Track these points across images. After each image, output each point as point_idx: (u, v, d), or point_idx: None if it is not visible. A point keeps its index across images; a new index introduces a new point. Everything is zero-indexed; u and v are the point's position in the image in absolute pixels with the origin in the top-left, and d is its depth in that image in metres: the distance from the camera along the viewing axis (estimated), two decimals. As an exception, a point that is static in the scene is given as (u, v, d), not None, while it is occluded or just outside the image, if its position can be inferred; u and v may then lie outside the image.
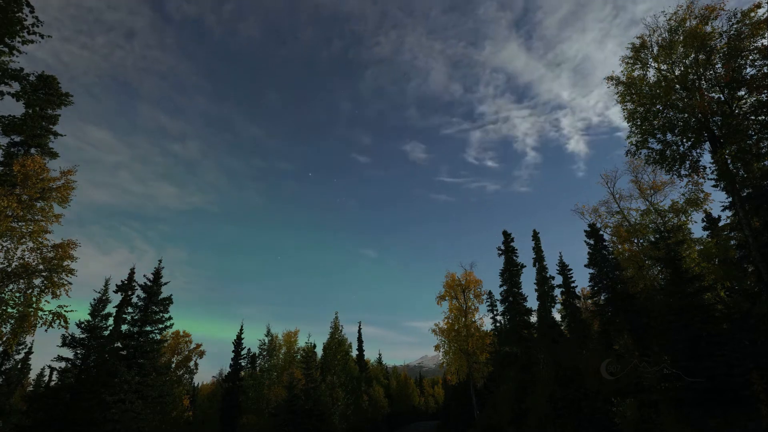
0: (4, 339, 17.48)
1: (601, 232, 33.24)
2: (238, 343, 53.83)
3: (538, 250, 38.50)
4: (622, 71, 25.33)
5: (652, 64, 24.39)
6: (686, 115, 22.58)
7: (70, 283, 19.16)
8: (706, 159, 24.00)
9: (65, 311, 18.72)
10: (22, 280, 17.98)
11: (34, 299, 18.00)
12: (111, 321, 32.38)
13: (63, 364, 29.71)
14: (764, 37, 20.55)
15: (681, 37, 22.68)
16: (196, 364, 52.56)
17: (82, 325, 30.43)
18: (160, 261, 33.73)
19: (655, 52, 24.05)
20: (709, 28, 21.96)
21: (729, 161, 21.69)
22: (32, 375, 54.25)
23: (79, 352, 29.82)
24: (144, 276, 32.79)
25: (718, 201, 35.36)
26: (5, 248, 17.77)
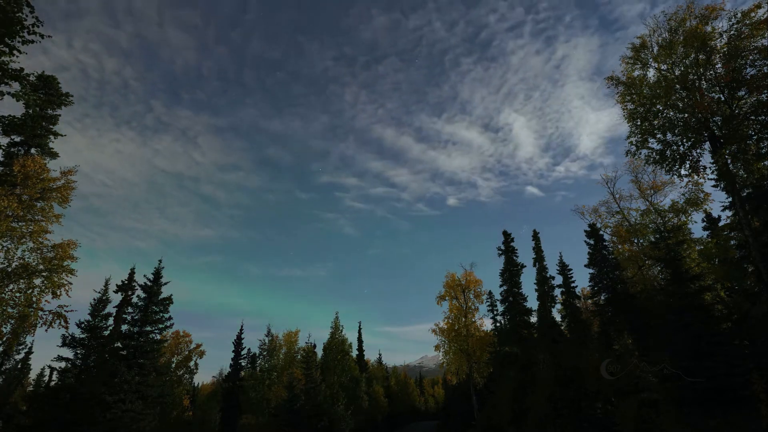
0: (4, 339, 17.49)
1: (601, 232, 33.24)
2: (238, 343, 53.80)
3: (538, 250, 38.43)
4: (622, 71, 25.34)
5: (652, 64, 24.39)
6: (686, 115, 22.58)
7: (70, 283, 19.15)
8: (706, 159, 23.98)
9: (65, 311, 18.73)
10: (22, 280, 17.97)
11: (34, 299, 17.99)
12: (111, 321, 32.35)
13: (63, 364, 29.71)
14: (764, 37, 20.54)
15: (681, 37, 22.67)
16: (196, 364, 52.56)
17: (82, 325, 30.42)
18: (160, 261, 33.73)
19: (655, 52, 24.05)
20: (709, 28, 21.95)
21: (729, 161, 21.67)
22: (32, 375, 54.21)
23: (79, 352, 29.81)
24: (144, 276, 32.78)
25: (718, 201, 35.41)
26: (5, 248, 17.76)
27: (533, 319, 38.48)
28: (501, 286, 41.13)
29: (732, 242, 24.65)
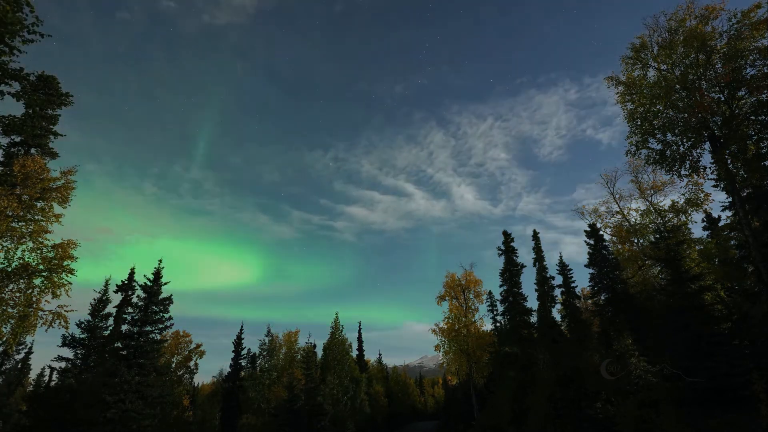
0: (4, 339, 17.46)
1: (601, 232, 33.21)
2: (238, 343, 53.83)
3: (538, 250, 38.41)
4: (622, 71, 25.34)
5: (652, 64, 24.40)
6: (686, 115, 22.57)
7: (70, 283, 19.11)
8: (706, 159, 24.01)
9: (65, 311, 18.71)
10: (22, 280, 17.94)
11: (34, 299, 17.97)
12: (111, 321, 32.37)
13: (63, 364, 29.73)
14: (764, 37, 20.54)
15: (681, 37, 22.68)
16: (196, 364, 52.47)
17: (82, 325, 30.43)
18: (160, 261, 33.60)
19: (655, 52, 24.05)
20: (709, 28, 21.95)
21: (729, 161, 21.67)
22: (32, 375, 54.23)
23: (79, 352, 29.83)
24: (144, 276, 32.72)
25: (718, 201, 35.28)
26: (5, 248, 17.74)
27: (533, 319, 38.46)
28: (501, 286, 41.11)
29: (732, 242, 24.66)
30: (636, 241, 34.90)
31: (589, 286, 32.37)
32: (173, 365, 49.77)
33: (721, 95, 22.08)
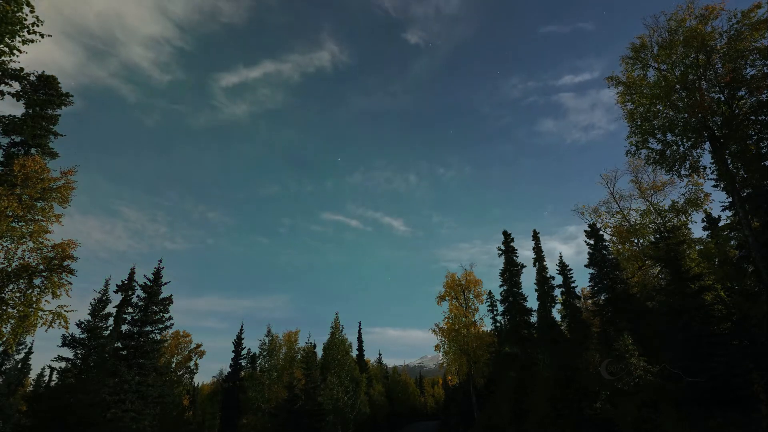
0: (4, 339, 17.45)
1: (601, 232, 33.21)
2: (238, 343, 53.87)
3: (538, 250, 38.42)
4: (622, 71, 25.33)
5: (652, 64, 24.38)
6: (686, 115, 22.56)
7: (70, 283, 19.10)
8: (706, 159, 24.01)
9: (65, 311, 18.70)
10: (22, 280, 17.94)
11: (34, 299, 17.96)
12: (111, 321, 32.39)
13: (63, 364, 29.74)
14: (764, 37, 20.55)
15: (681, 37, 22.66)
16: (196, 364, 52.54)
17: (82, 325, 30.44)
18: (160, 261, 33.67)
19: (655, 52, 24.03)
20: (709, 28, 21.94)
21: (729, 161, 21.68)
22: (32, 375, 54.22)
23: (79, 352, 29.83)
24: (144, 276, 32.76)
25: (718, 201, 35.35)
26: (5, 248, 17.73)
27: (533, 319, 38.48)
28: (501, 286, 41.13)
29: (732, 242, 24.65)
30: (636, 241, 34.91)
31: (589, 286, 32.38)
32: (173, 365, 49.81)
33: (721, 95, 22.08)
